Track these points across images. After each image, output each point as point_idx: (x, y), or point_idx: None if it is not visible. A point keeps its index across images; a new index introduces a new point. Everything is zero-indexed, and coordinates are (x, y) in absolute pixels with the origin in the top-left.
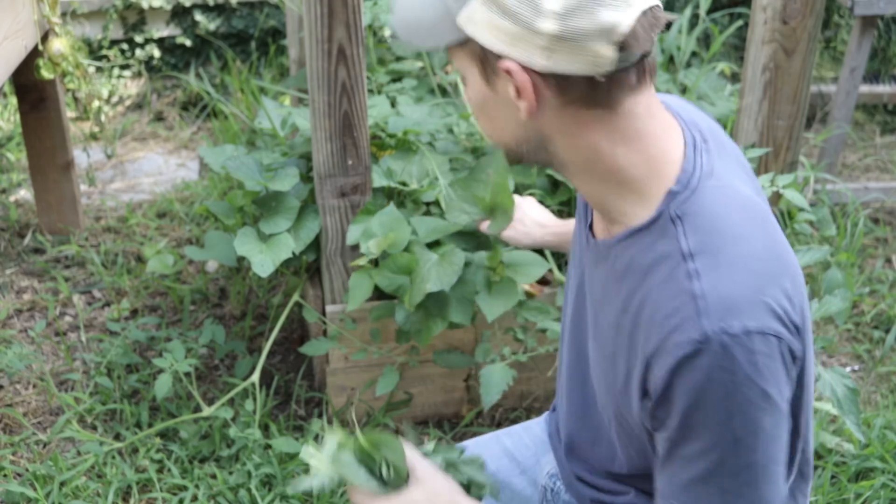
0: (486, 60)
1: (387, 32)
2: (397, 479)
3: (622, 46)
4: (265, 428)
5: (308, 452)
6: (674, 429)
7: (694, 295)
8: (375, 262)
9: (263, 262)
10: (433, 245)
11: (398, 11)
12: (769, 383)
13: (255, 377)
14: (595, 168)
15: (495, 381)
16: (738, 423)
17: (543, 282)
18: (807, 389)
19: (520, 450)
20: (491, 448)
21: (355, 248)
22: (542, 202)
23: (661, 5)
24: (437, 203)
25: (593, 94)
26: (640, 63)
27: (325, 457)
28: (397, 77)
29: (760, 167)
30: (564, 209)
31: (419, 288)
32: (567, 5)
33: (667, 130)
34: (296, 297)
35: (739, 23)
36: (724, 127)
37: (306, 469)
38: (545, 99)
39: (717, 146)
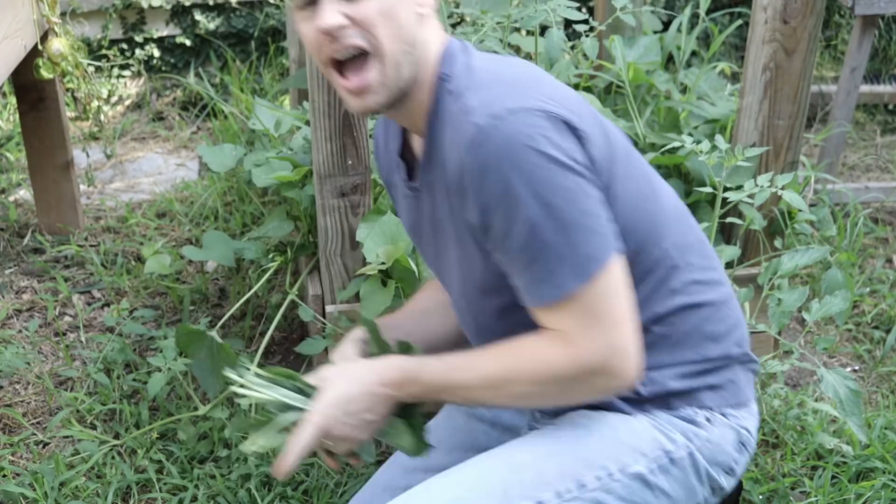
0: None
1: None
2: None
3: None
4: None
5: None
6: (502, 220)
7: (465, 111)
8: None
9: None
10: None
11: None
12: (549, 147)
13: None
14: (421, 65)
15: None
16: (539, 188)
17: None
18: (623, 180)
19: None
20: None
21: (355, 248)
22: None
23: None
24: None
25: None
26: None
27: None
28: None
29: (761, 167)
30: None
31: None
32: None
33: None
34: (292, 295)
35: (739, 22)
36: (725, 127)
37: (306, 470)
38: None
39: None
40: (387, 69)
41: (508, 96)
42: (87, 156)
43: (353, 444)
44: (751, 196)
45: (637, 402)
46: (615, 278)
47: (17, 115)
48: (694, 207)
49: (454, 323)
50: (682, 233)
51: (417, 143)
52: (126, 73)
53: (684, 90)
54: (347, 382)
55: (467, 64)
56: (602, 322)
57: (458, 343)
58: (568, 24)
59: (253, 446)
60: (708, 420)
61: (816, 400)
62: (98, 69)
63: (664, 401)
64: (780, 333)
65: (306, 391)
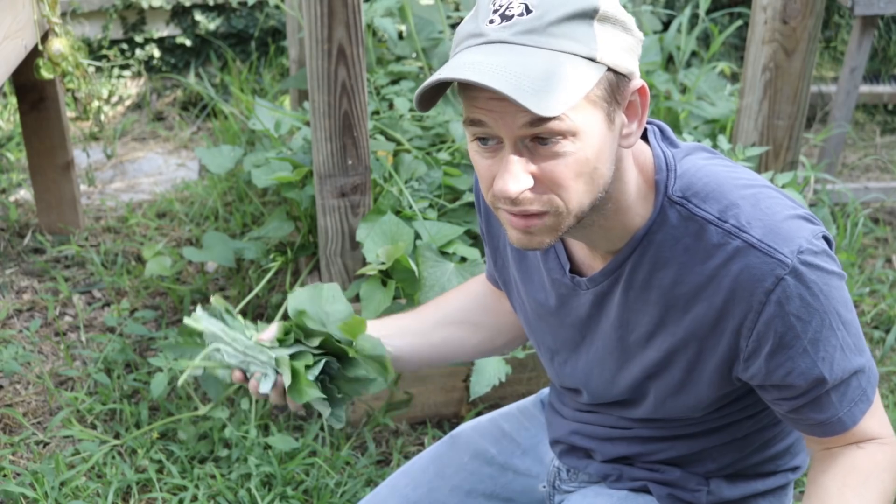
0: (617, 89)
1: (386, 34)
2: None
3: None
4: (265, 428)
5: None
6: (813, 362)
7: (751, 244)
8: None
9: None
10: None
11: (524, 80)
12: (837, 264)
13: None
14: (622, 182)
15: (488, 373)
16: (843, 311)
17: None
18: None
19: (519, 431)
20: (491, 432)
21: (355, 248)
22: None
23: None
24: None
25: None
26: None
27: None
28: (396, 79)
29: (760, 166)
30: None
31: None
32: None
33: None
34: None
35: (739, 23)
36: (724, 127)
37: (306, 470)
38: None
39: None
40: (563, 222)
41: (790, 222)
42: (88, 156)
43: None
44: None
45: None
46: None
47: (18, 115)
48: None
49: (470, 339)
50: None
51: (584, 260)
52: (126, 73)
53: (684, 90)
54: None
55: (695, 165)
56: (877, 401)
57: (461, 357)
58: None
59: (186, 368)
60: None
61: None
62: (98, 69)
63: None
64: None
65: (243, 332)
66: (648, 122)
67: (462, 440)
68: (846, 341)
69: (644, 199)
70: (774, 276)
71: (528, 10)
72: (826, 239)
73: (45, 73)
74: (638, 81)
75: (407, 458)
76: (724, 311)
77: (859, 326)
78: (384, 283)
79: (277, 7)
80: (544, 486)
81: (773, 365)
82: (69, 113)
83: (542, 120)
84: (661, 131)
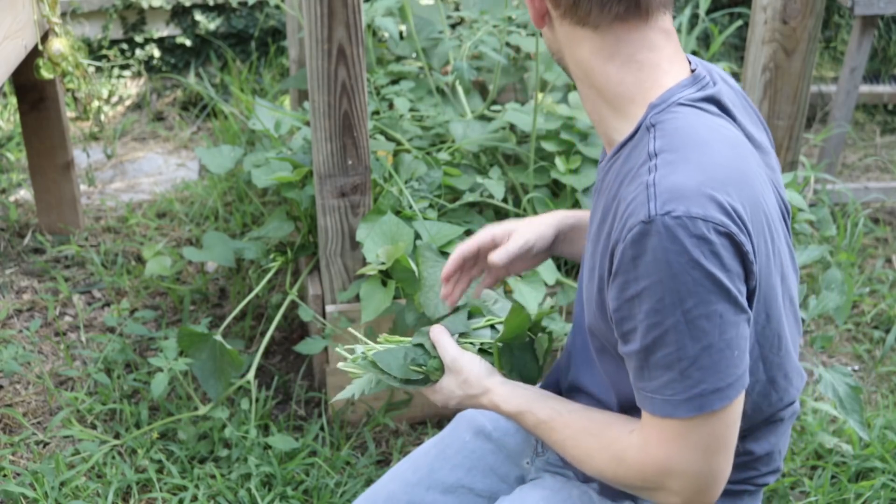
0: None
1: (386, 34)
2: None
3: None
4: (265, 428)
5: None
6: (632, 315)
7: (647, 184)
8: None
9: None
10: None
11: None
12: (717, 269)
13: (251, 375)
14: (590, 82)
15: None
16: (691, 306)
17: None
18: (768, 303)
19: None
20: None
21: (355, 248)
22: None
23: None
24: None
25: (576, 11)
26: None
27: (359, 359)
28: (396, 79)
29: None
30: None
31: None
32: None
33: (670, 65)
34: (292, 295)
35: (739, 23)
36: None
37: (306, 470)
38: (547, 11)
39: (733, 101)
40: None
41: (698, 196)
42: (88, 156)
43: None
44: None
45: None
46: (733, 412)
47: (18, 115)
48: None
49: None
50: (780, 363)
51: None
52: (126, 73)
53: None
54: (471, 387)
55: (694, 115)
56: (701, 450)
57: None
58: None
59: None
60: None
61: (816, 399)
62: (98, 69)
63: None
64: None
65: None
66: (710, 73)
67: (464, 420)
68: (678, 335)
69: (634, 115)
70: (638, 218)
71: None
72: (731, 241)
73: (45, 73)
74: None
75: None
76: (615, 232)
77: (719, 346)
78: (384, 283)
79: (277, 7)
80: (528, 462)
81: (609, 294)
82: (69, 113)
83: None
84: (712, 80)
